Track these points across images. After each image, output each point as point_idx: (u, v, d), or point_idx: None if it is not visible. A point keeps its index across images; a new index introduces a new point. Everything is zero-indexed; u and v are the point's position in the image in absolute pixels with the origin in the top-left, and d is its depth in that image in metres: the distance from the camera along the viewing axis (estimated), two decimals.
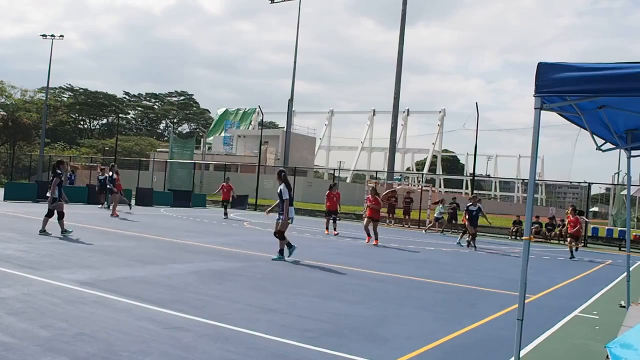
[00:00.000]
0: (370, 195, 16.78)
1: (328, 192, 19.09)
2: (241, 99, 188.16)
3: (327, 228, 19.13)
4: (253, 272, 9.11)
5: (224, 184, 23.53)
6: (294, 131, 55.15)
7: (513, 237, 24.95)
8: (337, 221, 19.26)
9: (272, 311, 6.34)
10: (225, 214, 23.36)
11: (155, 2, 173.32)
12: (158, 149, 63.75)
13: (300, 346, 5.00)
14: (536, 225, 23.98)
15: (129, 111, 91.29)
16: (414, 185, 39.48)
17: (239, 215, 26.17)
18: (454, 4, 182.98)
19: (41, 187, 25.51)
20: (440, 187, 70.45)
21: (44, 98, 53.80)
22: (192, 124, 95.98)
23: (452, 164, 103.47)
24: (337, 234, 18.58)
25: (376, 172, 53.12)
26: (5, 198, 23.18)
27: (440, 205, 25.61)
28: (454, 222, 24.29)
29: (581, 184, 32.48)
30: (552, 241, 24.00)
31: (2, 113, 58.59)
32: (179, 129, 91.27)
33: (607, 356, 4.39)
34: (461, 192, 79.93)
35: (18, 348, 4.32)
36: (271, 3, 42.76)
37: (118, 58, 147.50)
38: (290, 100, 39.96)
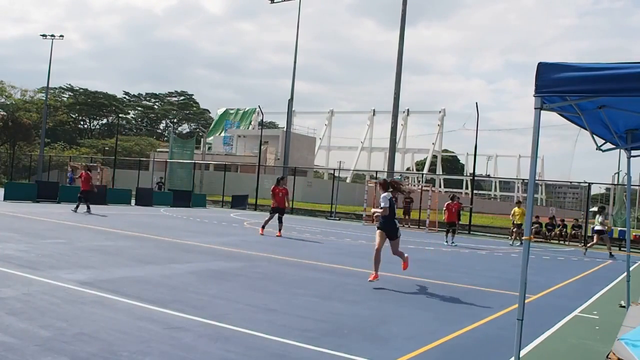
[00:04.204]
0: (83, 171, 13.05)
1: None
2: (241, 99, 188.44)
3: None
4: (253, 272, 9.11)
5: (83, 172, 20.18)
6: (294, 131, 55.11)
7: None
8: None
9: (272, 311, 6.34)
10: (77, 208, 19.58)
11: (157, 2, 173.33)
12: (158, 149, 63.70)
13: (300, 346, 5.00)
14: (536, 225, 23.97)
15: (129, 111, 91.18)
16: (414, 185, 39.43)
17: (239, 215, 26.17)
18: (454, 4, 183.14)
19: (41, 187, 25.60)
20: (440, 187, 70.34)
21: (44, 98, 53.78)
22: (192, 124, 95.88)
23: (452, 164, 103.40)
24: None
25: (376, 172, 53.07)
26: (5, 198, 23.16)
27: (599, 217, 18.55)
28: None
29: (581, 184, 32.46)
30: (552, 241, 23.98)
31: (2, 113, 58.61)
32: (179, 129, 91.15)
33: (608, 355, 4.38)
34: (461, 192, 79.92)
35: (18, 348, 4.32)
36: (271, 3, 42.74)
37: (118, 58, 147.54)
38: (290, 100, 39.94)
